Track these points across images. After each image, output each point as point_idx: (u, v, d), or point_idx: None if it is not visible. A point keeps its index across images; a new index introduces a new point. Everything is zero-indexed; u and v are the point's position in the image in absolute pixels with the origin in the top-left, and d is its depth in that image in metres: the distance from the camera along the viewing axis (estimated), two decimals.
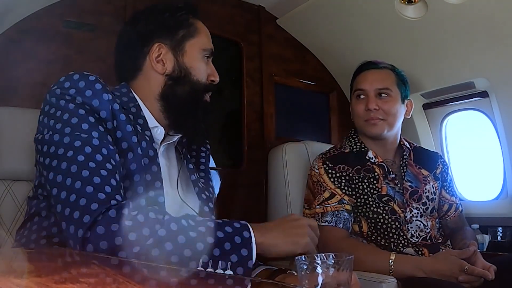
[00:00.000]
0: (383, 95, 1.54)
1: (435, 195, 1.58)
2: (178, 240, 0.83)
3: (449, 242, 1.56)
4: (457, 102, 2.00)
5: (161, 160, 1.05)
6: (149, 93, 1.06)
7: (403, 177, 1.54)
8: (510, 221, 1.82)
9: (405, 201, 1.50)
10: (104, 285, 0.49)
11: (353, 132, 1.64)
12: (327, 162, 1.54)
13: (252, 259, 0.87)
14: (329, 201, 1.49)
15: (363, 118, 1.55)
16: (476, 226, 1.86)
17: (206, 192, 1.14)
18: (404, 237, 1.46)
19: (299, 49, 2.21)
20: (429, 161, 1.65)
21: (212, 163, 1.84)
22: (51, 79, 0.96)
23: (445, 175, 1.66)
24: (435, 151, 1.88)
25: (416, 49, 1.87)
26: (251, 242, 0.87)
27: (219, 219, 0.91)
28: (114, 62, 1.12)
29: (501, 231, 1.86)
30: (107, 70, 1.19)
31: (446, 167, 1.68)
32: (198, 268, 0.82)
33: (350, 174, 1.52)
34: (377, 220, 1.48)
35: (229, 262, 0.84)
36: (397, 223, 1.47)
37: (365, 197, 1.50)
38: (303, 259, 0.72)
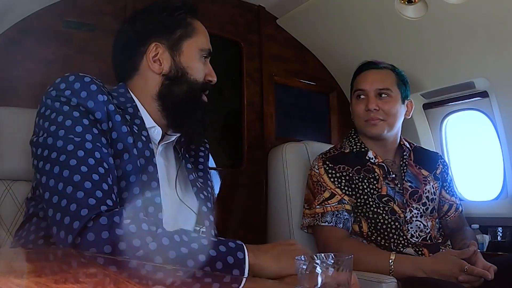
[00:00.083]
0: (383, 95, 1.54)
1: (435, 195, 1.58)
2: (169, 255, 0.82)
3: (449, 242, 1.55)
4: (457, 102, 2.00)
5: (159, 160, 1.05)
6: (147, 93, 1.06)
7: (403, 177, 1.54)
8: (510, 221, 1.82)
9: (405, 201, 1.50)
10: (104, 285, 0.49)
11: (353, 132, 1.64)
12: (327, 162, 1.54)
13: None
14: (329, 201, 1.49)
15: (363, 118, 1.55)
16: (476, 226, 1.86)
17: (204, 192, 1.13)
18: (404, 237, 1.46)
19: (299, 49, 2.20)
20: (429, 161, 1.65)
21: (212, 163, 1.84)
22: (51, 79, 0.96)
23: (445, 175, 1.66)
24: (435, 151, 1.88)
25: (416, 49, 1.87)
26: (244, 263, 0.87)
27: (219, 219, 0.91)
28: (112, 62, 1.12)
29: (501, 231, 1.86)
30: (107, 70, 1.19)
31: (446, 167, 1.68)
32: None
33: (350, 174, 1.52)
34: (377, 220, 1.48)
35: None
36: (397, 223, 1.47)
37: (365, 197, 1.50)
38: (303, 259, 0.71)
